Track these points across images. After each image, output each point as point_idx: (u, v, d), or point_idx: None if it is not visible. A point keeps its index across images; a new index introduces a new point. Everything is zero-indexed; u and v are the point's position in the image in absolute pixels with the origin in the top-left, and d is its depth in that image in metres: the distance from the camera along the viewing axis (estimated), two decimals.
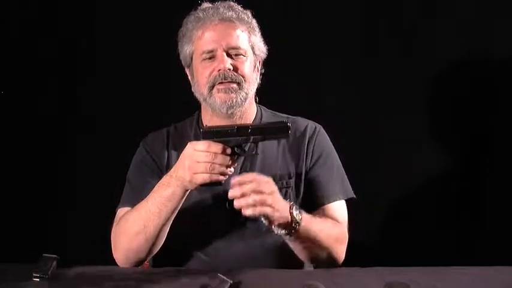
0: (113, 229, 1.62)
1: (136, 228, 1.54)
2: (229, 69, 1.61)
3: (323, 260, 1.60)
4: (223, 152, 1.45)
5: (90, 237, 2.18)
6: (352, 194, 1.72)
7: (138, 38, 2.40)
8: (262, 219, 1.47)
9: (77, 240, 2.39)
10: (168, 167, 1.66)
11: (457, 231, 2.45)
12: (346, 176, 1.74)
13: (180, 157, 1.50)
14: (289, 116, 1.76)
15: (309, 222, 1.54)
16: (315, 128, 1.74)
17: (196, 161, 1.45)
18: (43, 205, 2.43)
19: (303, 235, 1.53)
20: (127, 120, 2.40)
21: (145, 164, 1.69)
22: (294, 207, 1.51)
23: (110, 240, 1.62)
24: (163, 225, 1.54)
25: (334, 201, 1.68)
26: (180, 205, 1.53)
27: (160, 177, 1.64)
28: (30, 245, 2.05)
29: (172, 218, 1.54)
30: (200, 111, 1.76)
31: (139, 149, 1.74)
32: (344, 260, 1.65)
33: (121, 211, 1.65)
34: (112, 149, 2.36)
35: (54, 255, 1.41)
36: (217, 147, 1.45)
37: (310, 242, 1.55)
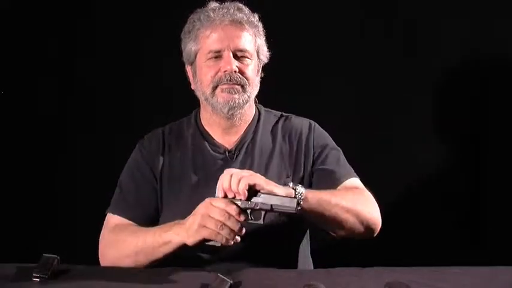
0: (104, 235, 1.64)
1: (128, 251, 1.54)
2: (235, 71, 1.61)
3: (359, 226, 1.58)
4: (238, 215, 1.42)
5: (90, 237, 2.17)
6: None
7: (138, 38, 2.39)
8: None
9: (77, 240, 2.39)
10: (162, 171, 1.67)
11: (458, 230, 2.45)
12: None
13: (199, 206, 1.46)
14: (283, 114, 1.77)
15: (315, 191, 1.52)
16: (309, 124, 1.75)
17: (209, 215, 1.42)
18: (43, 205, 2.43)
19: (315, 204, 1.50)
20: (127, 120, 2.40)
21: (139, 171, 1.69)
22: (291, 183, 1.50)
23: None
24: (154, 260, 1.54)
25: (345, 180, 1.67)
26: (173, 252, 1.51)
27: (152, 184, 1.65)
28: (30, 245, 2.05)
29: (164, 258, 1.53)
30: (198, 110, 1.76)
31: (135, 151, 1.73)
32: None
33: (111, 218, 1.66)
34: (112, 149, 2.36)
35: (54, 255, 1.41)
36: (234, 209, 1.42)
37: (331, 209, 1.52)
